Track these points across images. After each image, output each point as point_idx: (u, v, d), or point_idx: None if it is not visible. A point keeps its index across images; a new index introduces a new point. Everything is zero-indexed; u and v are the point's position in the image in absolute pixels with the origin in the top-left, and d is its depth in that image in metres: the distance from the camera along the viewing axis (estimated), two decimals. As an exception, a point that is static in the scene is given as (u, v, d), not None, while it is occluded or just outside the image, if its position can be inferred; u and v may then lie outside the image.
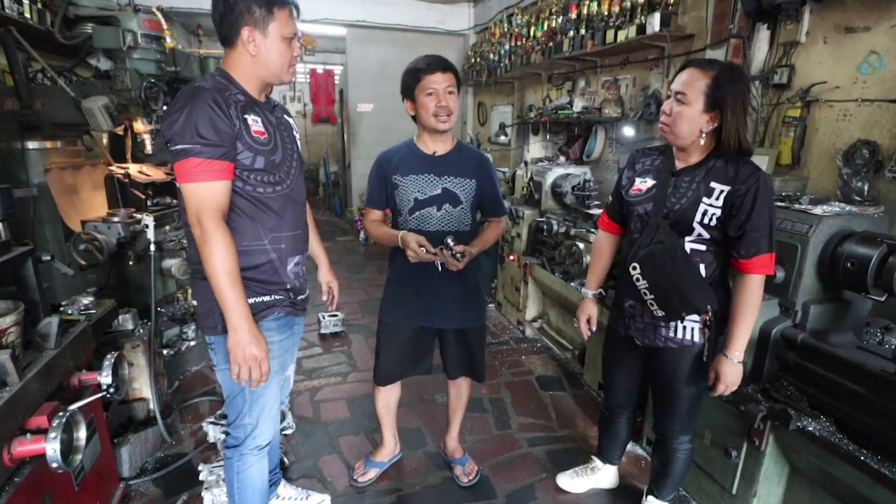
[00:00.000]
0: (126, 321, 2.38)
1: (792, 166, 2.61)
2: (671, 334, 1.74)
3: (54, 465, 1.44)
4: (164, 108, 2.91)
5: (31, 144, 2.81)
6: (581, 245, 3.19)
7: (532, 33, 4.76)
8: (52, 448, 1.43)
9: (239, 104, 1.45)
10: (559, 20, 4.22)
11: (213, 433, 2.45)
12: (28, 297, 1.71)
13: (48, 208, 2.84)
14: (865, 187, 2.24)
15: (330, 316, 3.89)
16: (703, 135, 1.60)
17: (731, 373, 1.66)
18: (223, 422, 2.39)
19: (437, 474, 2.42)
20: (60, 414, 1.50)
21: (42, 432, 1.45)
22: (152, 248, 2.43)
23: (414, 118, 1.97)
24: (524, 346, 3.80)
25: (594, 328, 2.07)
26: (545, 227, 3.65)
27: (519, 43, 4.98)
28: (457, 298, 2.05)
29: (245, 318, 1.42)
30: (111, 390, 1.82)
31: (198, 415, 2.81)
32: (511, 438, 2.70)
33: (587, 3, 3.80)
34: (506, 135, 5.72)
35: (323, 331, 3.87)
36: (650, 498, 2.09)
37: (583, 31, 3.88)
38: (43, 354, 1.60)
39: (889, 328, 1.94)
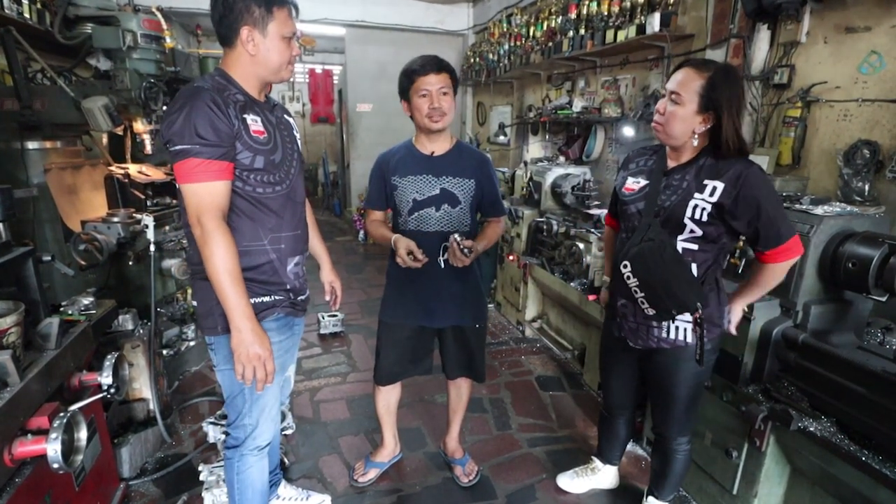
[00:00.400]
0: (126, 321, 2.38)
1: (792, 166, 2.61)
2: (663, 334, 1.74)
3: (55, 465, 1.43)
4: (164, 108, 2.91)
5: (31, 144, 2.81)
6: (581, 245, 3.19)
7: (531, 33, 4.75)
8: (53, 449, 1.42)
9: (238, 104, 1.45)
10: (559, 20, 4.21)
11: (213, 433, 2.45)
12: (29, 298, 1.71)
13: (48, 208, 2.83)
14: (866, 187, 2.24)
15: (329, 316, 3.89)
16: (696, 135, 1.60)
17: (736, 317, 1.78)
18: (223, 422, 2.39)
19: (437, 475, 2.42)
20: (61, 414, 1.50)
21: (43, 433, 1.45)
22: (152, 248, 2.42)
23: (412, 118, 1.97)
24: (524, 347, 3.80)
25: None
26: (545, 227, 3.65)
27: (518, 43, 4.98)
28: (457, 298, 2.05)
29: (248, 317, 1.42)
30: (112, 391, 1.81)
31: (198, 415, 2.80)
32: (511, 439, 2.70)
33: (587, 2, 3.79)
34: (505, 135, 5.72)
35: (322, 331, 3.87)
36: (650, 498, 2.09)
37: (582, 31, 3.88)
38: (44, 355, 1.60)
39: (890, 328, 1.94)
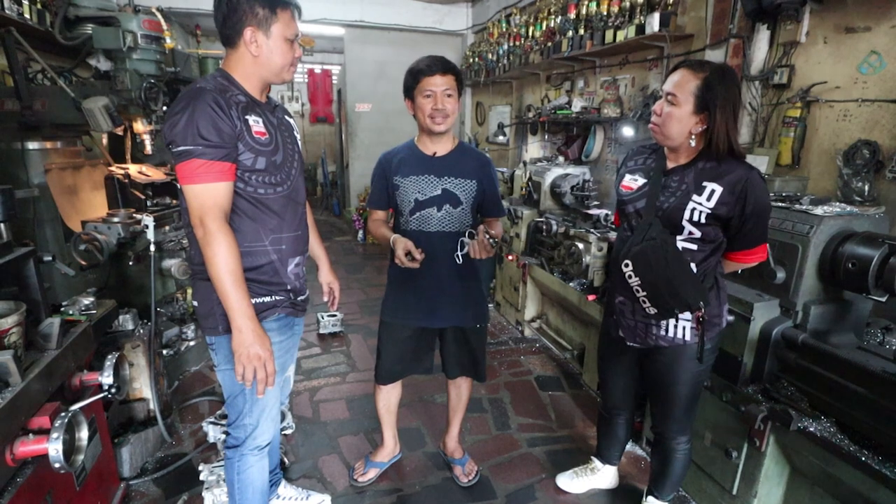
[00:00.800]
0: (126, 321, 2.39)
1: (792, 166, 2.61)
2: (662, 333, 1.74)
3: (56, 465, 1.44)
4: (164, 108, 2.91)
5: (31, 145, 2.81)
6: (580, 245, 3.19)
7: (530, 33, 4.76)
8: (54, 448, 1.42)
9: (240, 105, 1.45)
10: (558, 20, 4.22)
11: (213, 433, 2.45)
12: (29, 298, 1.71)
13: (48, 209, 2.84)
14: (866, 188, 2.25)
15: (329, 316, 3.89)
16: (693, 136, 1.60)
17: None
18: (223, 422, 2.39)
19: (436, 474, 2.42)
20: (62, 414, 1.50)
21: (44, 433, 1.45)
22: (152, 248, 2.42)
23: (415, 118, 1.97)
24: (523, 346, 3.80)
25: None
26: (544, 227, 3.65)
27: (517, 43, 4.99)
28: (458, 299, 2.05)
29: (249, 318, 1.42)
30: (112, 390, 1.82)
31: (198, 415, 2.80)
32: (510, 438, 2.71)
33: (586, 3, 3.80)
34: (504, 135, 5.72)
35: (322, 331, 3.87)
36: (650, 498, 2.09)
37: (581, 31, 3.89)
38: (45, 355, 1.60)
39: (890, 328, 1.95)
